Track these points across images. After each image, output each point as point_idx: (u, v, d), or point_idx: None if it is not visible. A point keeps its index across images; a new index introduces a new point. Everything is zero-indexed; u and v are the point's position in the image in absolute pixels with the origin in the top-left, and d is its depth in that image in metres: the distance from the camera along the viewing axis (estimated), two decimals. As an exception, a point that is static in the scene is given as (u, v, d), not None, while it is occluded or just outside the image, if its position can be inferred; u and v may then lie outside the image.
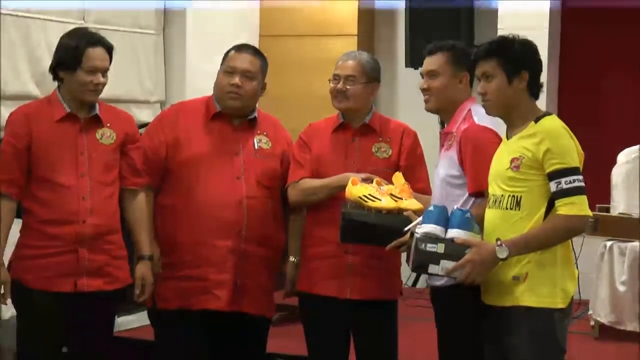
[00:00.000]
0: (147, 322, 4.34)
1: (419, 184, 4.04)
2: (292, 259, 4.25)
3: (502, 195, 3.40)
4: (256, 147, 4.19)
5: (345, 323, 4.11)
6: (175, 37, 6.85)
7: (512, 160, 3.38)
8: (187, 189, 4.11)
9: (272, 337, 4.48)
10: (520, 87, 3.44)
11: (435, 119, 6.95)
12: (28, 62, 5.62)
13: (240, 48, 4.25)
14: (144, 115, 6.53)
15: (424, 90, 3.85)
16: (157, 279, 4.13)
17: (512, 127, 3.47)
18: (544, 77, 7.21)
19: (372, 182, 3.84)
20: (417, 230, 3.45)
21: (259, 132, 4.23)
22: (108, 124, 4.04)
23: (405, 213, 3.66)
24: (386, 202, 3.69)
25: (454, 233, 3.38)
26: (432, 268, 3.38)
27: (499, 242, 3.30)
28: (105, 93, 6.09)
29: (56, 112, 3.96)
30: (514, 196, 3.37)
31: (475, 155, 3.64)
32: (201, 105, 4.24)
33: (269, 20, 7.71)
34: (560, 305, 3.36)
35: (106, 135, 4.03)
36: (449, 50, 3.84)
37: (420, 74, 3.90)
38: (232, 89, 4.12)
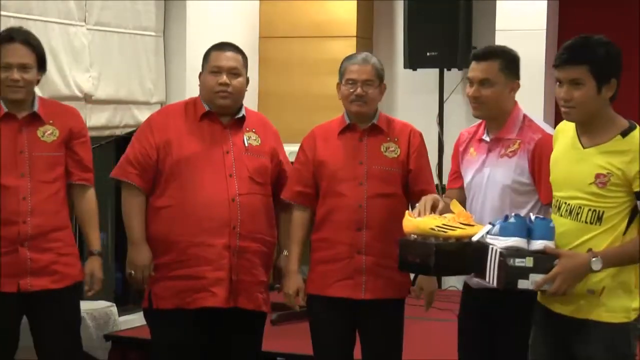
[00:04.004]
0: (147, 321, 4.36)
1: (426, 186, 4.09)
2: (286, 253, 4.31)
3: (581, 207, 3.30)
4: (246, 144, 4.22)
5: (355, 323, 4.13)
6: (175, 38, 6.85)
7: (597, 176, 3.26)
8: (180, 189, 4.14)
9: (271, 336, 4.55)
10: (607, 95, 3.31)
11: (433, 119, 7.00)
12: (30, 64, 5.66)
13: (221, 47, 4.27)
14: (145, 115, 6.48)
15: (475, 98, 3.77)
16: (147, 281, 4.16)
17: (589, 135, 3.34)
18: (542, 79, 7.19)
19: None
20: (494, 243, 3.32)
21: (247, 129, 4.26)
22: (50, 121, 4.02)
23: None
24: (469, 229, 3.55)
25: (541, 245, 3.26)
26: (522, 283, 3.24)
27: (593, 254, 3.21)
28: (106, 94, 6.26)
29: None
30: (595, 211, 3.27)
31: None
32: (189, 106, 4.28)
33: (268, 21, 7.70)
34: (635, 315, 3.31)
35: (48, 133, 4.00)
36: (501, 57, 3.77)
37: (467, 78, 3.83)
38: (222, 88, 4.15)
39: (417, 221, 3.58)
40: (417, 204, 3.68)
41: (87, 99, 6.16)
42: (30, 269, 3.94)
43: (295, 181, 4.22)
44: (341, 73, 4.18)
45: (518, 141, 3.73)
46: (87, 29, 6.14)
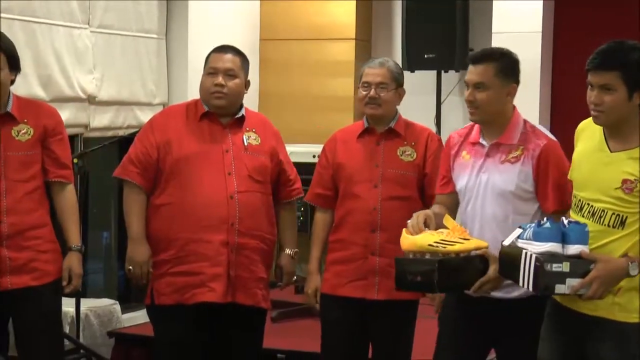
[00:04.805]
0: (151, 318, 4.39)
1: None
2: (288, 251, 4.39)
3: (604, 211, 3.29)
4: (245, 143, 4.26)
5: (366, 323, 4.17)
6: (177, 40, 6.89)
7: (624, 181, 3.25)
8: (181, 187, 4.18)
9: (272, 333, 4.57)
10: (637, 102, 3.27)
11: (431, 120, 7.06)
12: (34, 65, 5.65)
13: (220, 49, 4.31)
14: (147, 116, 6.43)
15: (470, 102, 3.67)
16: (146, 277, 4.20)
17: (617, 139, 3.32)
18: (537, 83, 7.21)
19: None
20: (527, 247, 3.29)
21: (247, 129, 4.29)
22: (25, 120, 4.02)
23: (479, 252, 3.53)
24: (467, 243, 3.52)
25: (577, 249, 3.23)
26: (559, 288, 3.22)
27: (631, 259, 3.21)
28: (109, 95, 6.32)
29: None
30: (618, 215, 3.26)
31: (562, 173, 3.58)
32: (190, 107, 4.32)
33: (269, 23, 7.73)
34: None
35: (22, 132, 4.00)
36: (497, 60, 3.67)
37: (464, 81, 3.75)
38: (217, 89, 4.19)
39: (415, 238, 3.51)
40: (408, 221, 3.61)
41: (91, 100, 6.19)
42: (9, 267, 3.95)
43: (315, 184, 4.30)
44: (359, 77, 4.25)
45: (521, 147, 3.65)
46: (91, 31, 6.18)
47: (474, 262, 3.51)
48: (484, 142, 3.72)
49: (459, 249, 3.47)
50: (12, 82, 4.01)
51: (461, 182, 3.75)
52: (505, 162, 3.65)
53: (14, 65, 4.00)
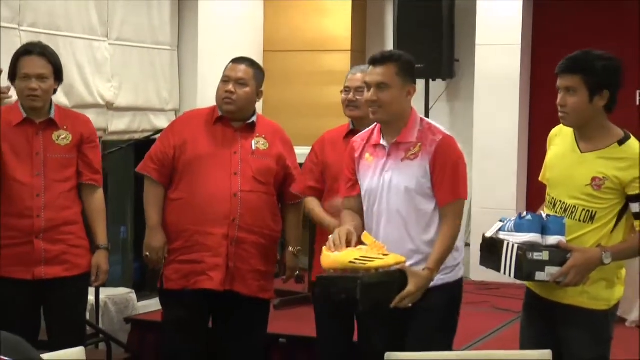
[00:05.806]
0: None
1: None
2: (290, 249, 4.60)
3: (575, 207, 3.43)
4: (254, 147, 4.43)
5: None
6: (188, 52, 7.14)
7: (594, 179, 3.39)
8: (191, 183, 4.38)
9: (274, 319, 4.79)
10: (600, 104, 3.40)
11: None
12: (58, 75, 5.77)
13: (237, 60, 4.49)
14: (161, 121, 6.85)
15: (373, 102, 3.67)
16: (161, 262, 4.44)
17: (587, 141, 3.47)
18: (516, 91, 7.52)
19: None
20: (508, 238, 3.41)
21: (258, 134, 4.47)
22: (65, 127, 4.22)
23: (398, 266, 3.51)
24: (387, 259, 3.48)
25: (555, 240, 3.38)
26: (539, 275, 3.36)
27: (604, 249, 3.37)
28: (126, 102, 6.61)
29: (15, 117, 4.17)
30: (588, 210, 3.41)
31: (460, 165, 3.68)
32: (207, 112, 4.52)
33: (272, 37, 8.00)
34: (614, 304, 3.51)
35: (62, 137, 4.20)
36: (397, 61, 3.68)
37: (365, 83, 3.75)
38: (227, 95, 4.38)
39: (336, 256, 3.47)
40: (330, 237, 3.56)
41: (109, 106, 6.42)
42: (44, 258, 4.14)
43: (307, 177, 4.46)
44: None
45: (419, 144, 3.66)
46: (109, 44, 6.43)
47: (394, 277, 3.48)
48: (384, 143, 3.73)
49: (378, 264, 3.44)
50: (55, 91, 4.32)
51: (365, 183, 3.76)
52: (405, 159, 3.67)
53: (58, 76, 4.26)
